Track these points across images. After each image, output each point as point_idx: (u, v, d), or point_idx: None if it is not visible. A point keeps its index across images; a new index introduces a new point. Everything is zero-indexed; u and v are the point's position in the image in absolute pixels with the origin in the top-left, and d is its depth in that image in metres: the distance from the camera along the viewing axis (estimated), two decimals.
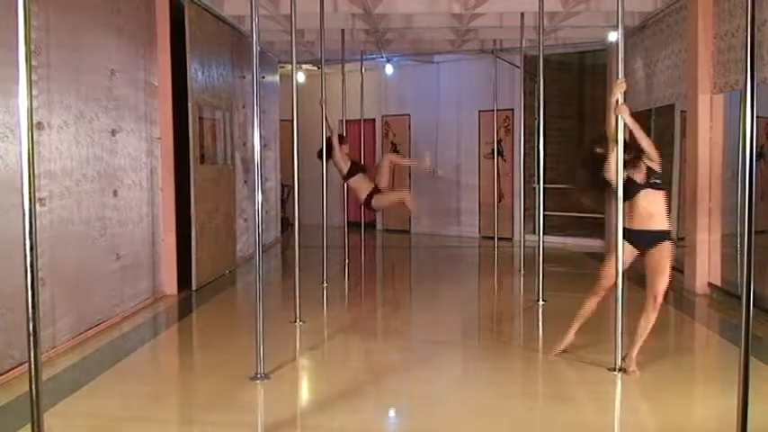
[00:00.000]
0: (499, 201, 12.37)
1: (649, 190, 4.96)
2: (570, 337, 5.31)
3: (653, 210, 4.96)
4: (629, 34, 9.71)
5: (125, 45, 7.05)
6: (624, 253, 4.99)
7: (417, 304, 8.44)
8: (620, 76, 5.00)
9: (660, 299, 4.98)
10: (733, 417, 3.28)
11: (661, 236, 4.99)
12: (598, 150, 5.11)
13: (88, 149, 6.26)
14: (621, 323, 5.03)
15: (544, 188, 7.86)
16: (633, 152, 4.93)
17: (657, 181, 5.00)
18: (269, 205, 12.32)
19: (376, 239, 14.20)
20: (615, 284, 4.96)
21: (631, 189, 4.95)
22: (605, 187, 5.09)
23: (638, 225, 4.98)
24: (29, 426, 3.05)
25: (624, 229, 4.98)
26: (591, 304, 5.24)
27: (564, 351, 5.41)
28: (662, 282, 4.96)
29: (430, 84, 14.27)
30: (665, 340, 6.46)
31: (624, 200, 4.95)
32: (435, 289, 9.02)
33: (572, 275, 9.61)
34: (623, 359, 5.05)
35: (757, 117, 3.21)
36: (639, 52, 10.06)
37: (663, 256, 4.98)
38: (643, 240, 5.00)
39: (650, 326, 5.01)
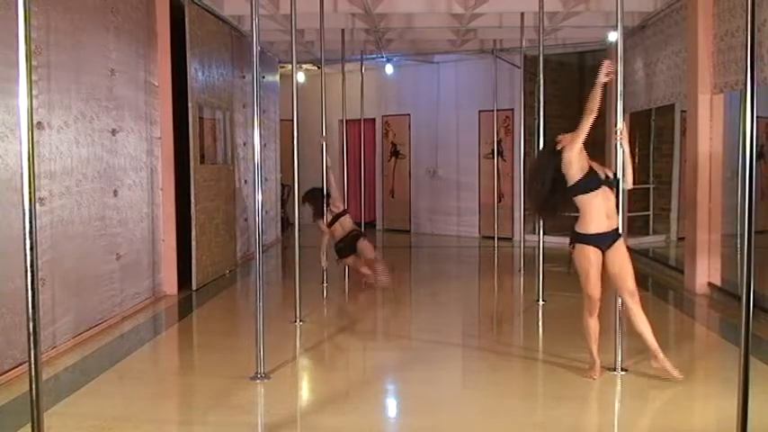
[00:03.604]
0: (499, 201, 12.37)
1: (607, 188, 4.88)
2: (597, 358, 5.01)
3: (610, 210, 4.87)
4: (628, 34, 9.71)
5: (125, 45, 7.05)
6: (593, 259, 4.87)
7: (417, 304, 8.43)
8: (619, 80, 4.99)
9: (637, 293, 4.94)
10: (733, 417, 3.28)
11: (617, 235, 4.93)
12: (558, 149, 4.94)
13: (88, 149, 6.26)
14: (621, 324, 5.04)
15: None
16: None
17: (611, 180, 4.96)
18: (269, 205, 12.32)
19: (376, 239, 14.19)
20: (602, 295, 4.92)
21: (593, 183, 4.83)
22: (564, 198, 4.94)
23: (597, 229, 4.84)
24: (29, 426, 3.05)
25: (583, 234, 4.88)
26: (593, 324, 5.00)
27: (603, 369, 5.08)
28: (631, 278, 4.91)
29: (430, 84, 14.26)
30: (665, 340, 6.47)
31: (584, 192, 4.82)
32: (435, 289, 9.02)
33: (572, 275, 9.58)
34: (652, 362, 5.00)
35: (757, 117, 3.21)
36: (639, 52, 10.05)
37: (623, 254, 4.92)
38: (604, 242, 4.88)
39: (646, 321, 4.92)
